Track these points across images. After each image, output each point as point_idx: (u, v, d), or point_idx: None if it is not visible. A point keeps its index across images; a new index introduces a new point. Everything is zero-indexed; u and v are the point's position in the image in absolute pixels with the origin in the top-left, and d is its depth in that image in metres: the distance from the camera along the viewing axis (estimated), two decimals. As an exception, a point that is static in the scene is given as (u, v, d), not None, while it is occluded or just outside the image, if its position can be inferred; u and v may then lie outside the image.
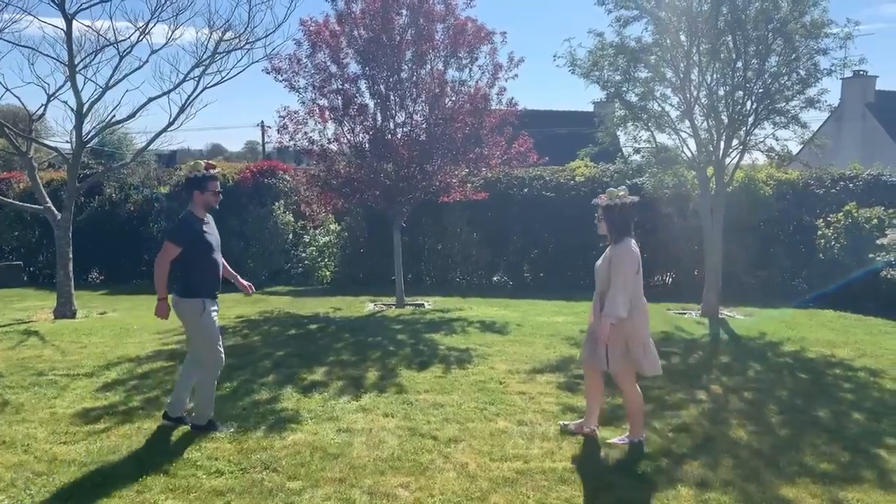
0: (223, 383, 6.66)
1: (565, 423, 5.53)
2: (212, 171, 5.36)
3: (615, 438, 5.30)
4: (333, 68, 10.79)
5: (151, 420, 5.64)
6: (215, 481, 4.52)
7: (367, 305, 11.48)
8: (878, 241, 11.53)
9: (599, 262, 5.24)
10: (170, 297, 5.26)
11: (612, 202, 5.20)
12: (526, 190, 14.04)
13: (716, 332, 9.53)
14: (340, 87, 10.80)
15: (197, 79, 10.73)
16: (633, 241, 5.17)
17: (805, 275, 13.33)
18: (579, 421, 5.49)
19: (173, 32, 10.86)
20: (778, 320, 10.44)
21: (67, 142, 11.10)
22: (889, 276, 10.96)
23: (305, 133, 11.06)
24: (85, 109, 10.59)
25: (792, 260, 13.51)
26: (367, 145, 10.96)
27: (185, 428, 5.42)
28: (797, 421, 5.88)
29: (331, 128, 11.13)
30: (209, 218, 5.44)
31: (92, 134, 11.06)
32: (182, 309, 5.26)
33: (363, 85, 10.90)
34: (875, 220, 11.89)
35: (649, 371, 5.22)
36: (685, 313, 10.97)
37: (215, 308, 5.36)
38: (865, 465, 4.94)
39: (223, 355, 5.44)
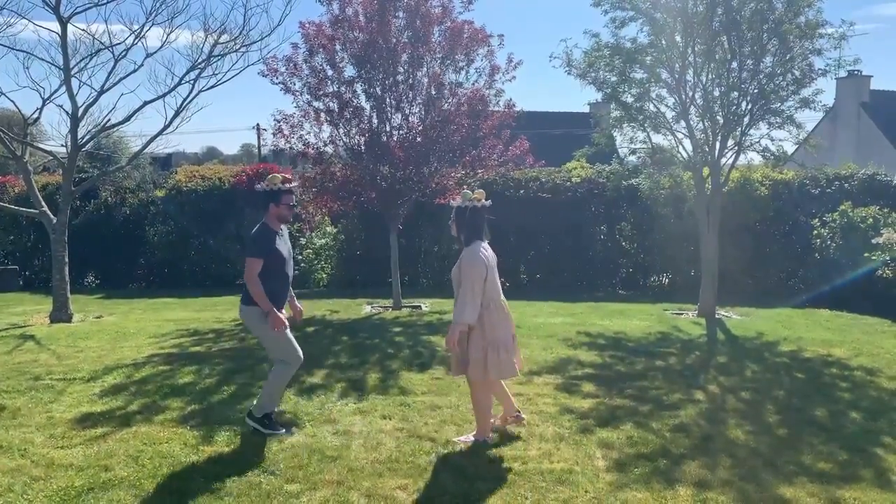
0: (221, 387, 6.67)
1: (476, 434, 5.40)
2: (288, 186, 5.40)
3: (460, 437, 5.31)
4: (330, 71, 10.79)
5: (148, 424, 5.62)
6: (213, 484, 4.51)
7: (363, 308, 11.48)
8: (873, 241, 11.56)
9: (455, 267, 5.20)
10: (240, 305, 5.35)
11: (463, 204, 5.19)
12: (522, 191, 14.05)
13: (713, 333, 9.55)
14: (336, 89, 10.79)
15: (192, 82, 10.72)
16: (485, 245, 5.17)
17: (801, 274, 13.37)
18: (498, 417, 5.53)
19: (168, 36, 10.84)
20: (774, 320, 10.46)
21: (63, 145, 11.06)
22: (885, 276, 10.99)
23: (301, 136, 11.05)
24: (80, 113, 10.56)
25: (788, 260, 13.56)
26: (363, 148, 10.95)
27: (182, 432, 5.42)
28: (794, 420, 5.89)
29: (326, 130, 11.13)
30: (283, 230, 5.49)
31: (87, 138, 11.03)
32: (247, 316, 5.32)
33: (359, 87, 10.90)
34: (870, 220, 11.93)
35: (508, 375, 5.26)
36: (682, 313, 10.98)
37: (282, 313, 5.37)
38: (863, 465, 4.95)
39: (301, 353, 5.46)
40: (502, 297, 5.31)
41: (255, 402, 5.54)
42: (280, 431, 5.38)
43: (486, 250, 5.14)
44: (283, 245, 5.40)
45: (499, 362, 5.13)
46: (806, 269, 13.10)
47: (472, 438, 5.26)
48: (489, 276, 5.10)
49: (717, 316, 10.64)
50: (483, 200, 5.22)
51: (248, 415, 5.45)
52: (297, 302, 5.73)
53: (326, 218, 14.10)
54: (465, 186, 11.87)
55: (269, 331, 5.25)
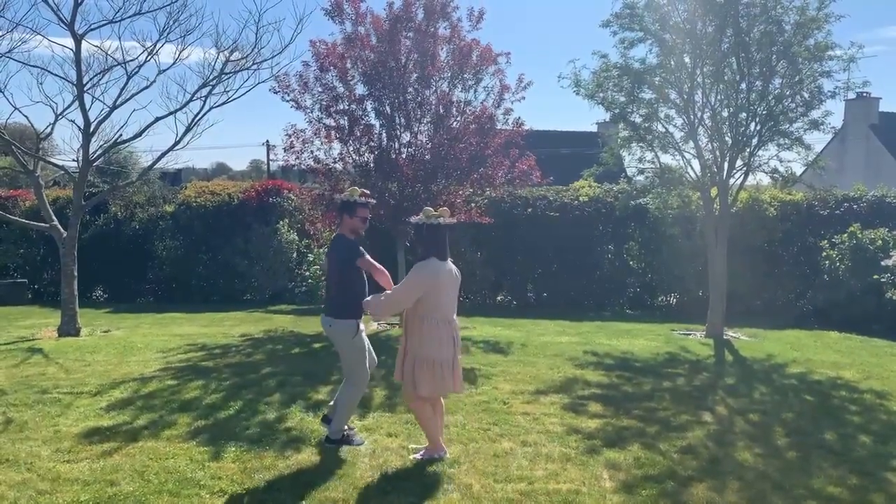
0: (228, 402, 6.66)
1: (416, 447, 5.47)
2: (365, 200, 5.51)
3: (418, 454, 5.29)
4: (341, 89, 10.87)
5: (155, 439, 5.62)
6: (218, 501, 4.50)
7: (370, 324, 11.46)
8: (882, 263, 11.51)
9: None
10: (322, 318, 5.46)
11: (421, 222, 5.26)
12: (530, 210, 14.07)
13: (721, 354, 9.50)
14: (347, 107, 10.87)
15: (203, 98, 10.81)
16: (440, 262, 5.13)
17: (810, 296, 13.31)
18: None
19: (181, 53, 10.96)
20: (783, 341, 10.41)
21: (74, 160, 11.16)
22: (895, 298, 10.92)
23: (311, 152, 11.13)
24: (92, 128, 10.66)
25: (796, 281, 13.51)
26: (372, 165, 11.01)
27: (189, 447, 5.42)
28: (804, 443, 5.84)
29: (336, 147, 11.19)
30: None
31: (99, 153, 11.12)
32: (336, 330, 5.40)
33: (369, 105, 10.97)
34: (879, 242, 11.89)
35: (456, 390, 5.31)
36: (690, 334, 10.93)
37: (363, 328, 5.50)
38: (873, 489, 4.91)
39: (369, 373, 5.58)
40: (455, 316, 5.29)
41: (330, 427, 5.53)
42: (362, 442, 5.52)
43: (451, 267, 5.22)
44: None
45: (431, 379, 5.11)
46: (815, 291, 13.04)
47: (428, 455, 5.26)
48: (448, 292, 5.17)
49: (725, 337, 10.59)
50: (446, 218, 5.28)
51: (327, 440, 5.48)
52: None
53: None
54: (473, 205, 11.92)
55: (357, 348, 5.34)
